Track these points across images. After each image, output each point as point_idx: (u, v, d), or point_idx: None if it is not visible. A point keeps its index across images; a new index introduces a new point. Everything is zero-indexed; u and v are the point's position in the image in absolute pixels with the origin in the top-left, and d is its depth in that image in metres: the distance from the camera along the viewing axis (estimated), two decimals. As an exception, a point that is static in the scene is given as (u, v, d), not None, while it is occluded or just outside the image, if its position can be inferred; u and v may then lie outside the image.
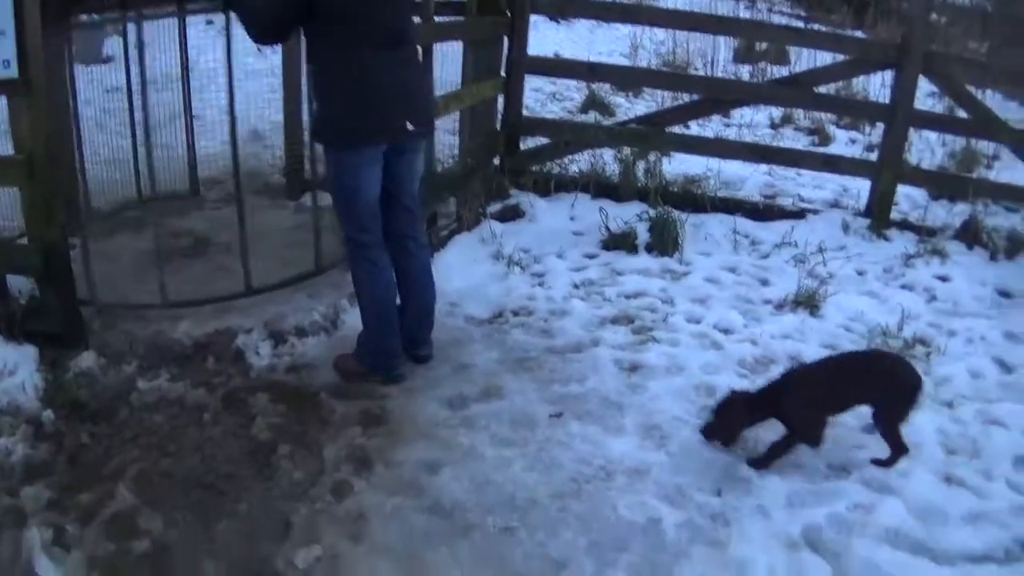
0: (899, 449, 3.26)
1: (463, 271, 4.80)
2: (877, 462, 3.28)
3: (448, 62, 5.61)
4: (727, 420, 3.33)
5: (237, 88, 5.08)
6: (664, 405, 3.57)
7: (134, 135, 5.05)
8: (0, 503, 2.99)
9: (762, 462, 3.25)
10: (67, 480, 3.12)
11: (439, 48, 5.30)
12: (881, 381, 3.31)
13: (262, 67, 5.90)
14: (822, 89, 6.29)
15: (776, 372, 3.72)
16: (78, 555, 2.76)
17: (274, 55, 5.47)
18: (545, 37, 6.00)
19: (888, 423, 3.27)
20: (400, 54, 3.60)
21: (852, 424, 3.47)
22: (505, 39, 5.92)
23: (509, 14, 5.80)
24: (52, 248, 3.85)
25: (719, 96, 6.37)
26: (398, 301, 3.86)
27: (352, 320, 4.23)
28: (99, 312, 4.13)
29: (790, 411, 3.26)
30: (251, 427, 3.45)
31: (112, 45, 6.71)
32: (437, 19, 5.28)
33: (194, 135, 5.07)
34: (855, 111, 7.72)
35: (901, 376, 3.31)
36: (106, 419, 3.49)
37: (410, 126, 3.61)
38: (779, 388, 3.33)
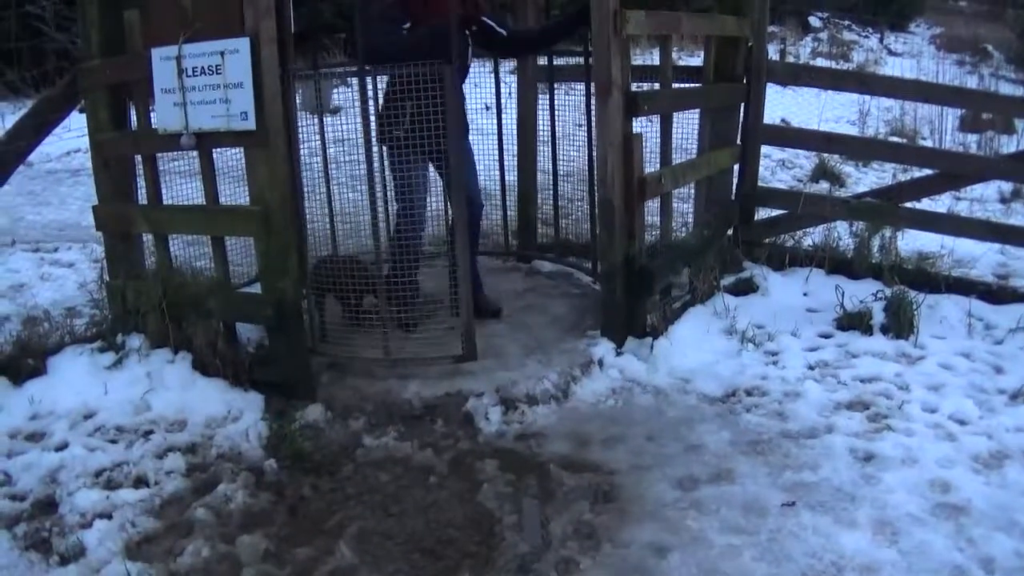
0: None
1: (696, 346, 4.62)
2: None
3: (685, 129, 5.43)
4: None
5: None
6: (898, 499, 3.30)
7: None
8: (215, 550, 2.99)
9: None
10: (286, 532, 3.12)
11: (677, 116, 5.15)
12: None
13: (493, 126, 5.87)
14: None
15: (1010, 470, 3.49)
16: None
17: (505, 114, 5.46)
18: (771, 101, 5.71)
19: None
20: None
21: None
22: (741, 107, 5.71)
23: (745, 81, 5.59)
24: (284, 299, 3.87)
25: (956, 171, 5.90)
26: None
27: (583, 391, 4.13)
28: (328, 366, 4.14)
29: None
30: (477, 493, 3.37)
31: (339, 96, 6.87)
32: (675, 86, 5.13)
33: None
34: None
35: None
36: (329, 473, 3.49)
37: None
38: None
